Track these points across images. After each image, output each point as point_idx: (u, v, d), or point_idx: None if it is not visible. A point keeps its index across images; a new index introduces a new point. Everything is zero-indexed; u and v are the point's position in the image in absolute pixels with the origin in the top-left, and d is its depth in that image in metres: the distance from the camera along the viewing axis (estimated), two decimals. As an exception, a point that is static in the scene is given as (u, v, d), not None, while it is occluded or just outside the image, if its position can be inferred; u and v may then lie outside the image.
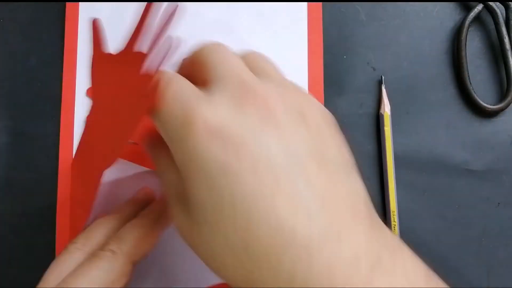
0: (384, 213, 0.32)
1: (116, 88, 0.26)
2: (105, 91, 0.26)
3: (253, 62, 0.22)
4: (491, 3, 0.33)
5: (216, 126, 0.19)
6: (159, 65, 0.24)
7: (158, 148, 0.25)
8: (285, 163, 0.18)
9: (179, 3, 0.24)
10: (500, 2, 0.33)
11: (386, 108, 0.32)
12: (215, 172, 0.18)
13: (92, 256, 0.24)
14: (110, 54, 0.26)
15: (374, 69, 0.33)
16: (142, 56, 0.25)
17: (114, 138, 0.26)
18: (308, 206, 0.18)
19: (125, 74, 0.25)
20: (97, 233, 0.26)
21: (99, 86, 0.26)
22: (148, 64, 0.25)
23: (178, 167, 0.21)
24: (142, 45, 0.25)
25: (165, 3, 0.24)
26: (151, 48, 0.25)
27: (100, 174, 0.27)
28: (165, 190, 0.24)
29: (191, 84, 0.21)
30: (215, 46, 0.22)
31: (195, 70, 0.23)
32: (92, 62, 0.26)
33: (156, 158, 0.25)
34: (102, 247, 0.24)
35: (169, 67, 0.25)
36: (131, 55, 0.25)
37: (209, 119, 0.19)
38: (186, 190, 0.20)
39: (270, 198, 0.18)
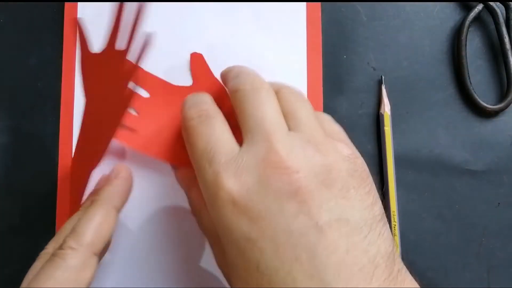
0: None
1: (103, 86, 0.26)
2: (95, 89, 0.26)
3: (286, 101, 0.24)
4: (491, 3, 0.33)
5: (241, 199, 0.20)
6: (138, 61, 0.25)
7: (195, 187, 0.27)
8: (305, 234, 0.20)
9: (145, 3, 0.24)
10: (501, 2, 0.33)
11: (386, 108, 0.32)
12: (241, 241, 0.20)
13: (53, 256, 0.24)
14: (96, 54, 0.26)
15: (374, 69, 0.33)
16: (122, 53, 0.25)
17: (100, 138, 0.26)
18: (324, 276, 0.19)
19: (109, 72, 0.26)
20: (66, 234, 0.26)
21: (90, 85, 0.26)
22: (129, 60, 0.25)
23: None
24: (121, 43, 0.25)
25: (134, 2, 0.25)
26: (128, 45, 0.25)
27: (87, 174, 0.27)
28: (202, 227, 0.26)
29: (228, 131, 0.24)
30: (252, 90, 0.24)
31: (234, 106, 0.25)
32: (81, 62, 0.26)
33: (192, 197, 0.27)
34: (61, 245, 0.24)
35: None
36: (113, 53, 0.25)
37: (235, 192, 0.21)
38: (223, 244, 0.22)
39: (289, 267, 0.19)
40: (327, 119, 0.26)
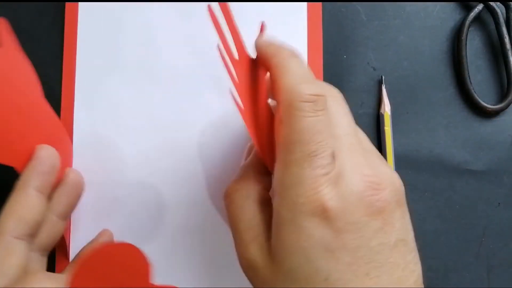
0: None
1: None
2: None
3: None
4: (491, 3, 0.33)
5: (333, 208, 0.20)
6: None
7: (248, 176, 0.25)
8: (379, 252, 0.20)
9: None
10: (501, 2, 0.33)
11: (386, 108, 0.32)
12: (316, 249, 0.20)
13: None
14: None
15: (374, 69, 0.33)
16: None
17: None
18: None
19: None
20: None
21: None
22: None
23: (266, 212, 0.23)
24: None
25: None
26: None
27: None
28: (235, 221, 0.24)
29: (327, 137, 0.22)
30: (333, 97, 0.23)
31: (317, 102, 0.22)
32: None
33: (239, 187, 0.25)
34: None
35: None
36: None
37: (329, 200, 0.20)
38: (276, 245, 0.21)
39: (360, 281, 0.20)
40: None
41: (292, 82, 0.22)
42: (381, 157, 0.23)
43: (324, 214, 0.20)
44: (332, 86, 0.24)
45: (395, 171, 0.23)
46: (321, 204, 0.20)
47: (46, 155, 0.27)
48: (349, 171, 0.21)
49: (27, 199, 0.25)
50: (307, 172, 0.20)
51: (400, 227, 0.21)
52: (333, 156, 0.21)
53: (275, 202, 0.22)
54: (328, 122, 0.22)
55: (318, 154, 0.21)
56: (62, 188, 0.28)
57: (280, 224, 0.21)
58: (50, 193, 0.27)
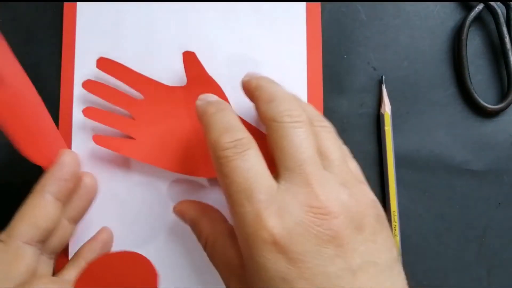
0: (384, 214, 0.32)
1: None
2: None
3: (319, 138, 0.24)
4: (492, 3, 0.33)
5: (282, 239, 0.21)
6: None
7: (205, 219, 0.27)
8: (340, 277, 0.20)
9: None
10: (501, 2, 0.33)
11: (387, 108, 0.32)
12: (276, 280, 0.21)
13: None
14: None
15: (374, 69, 0.33)
16: None
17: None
18: None
19: None
20: None
21: None
22: None
23: (237, 246, 0.23)
24: None
25: None
26: None
27: None
28: (215, 258, 0.26)
29: (263, 164, 0.23)
30: (291, 124, 0.23)
31: (268, 135, 0.24)
32: None
33: (202, 229, 0.27)
34: None
35: None
36: None
37: (276, 232, 0.21)
38: (248, 279, 0.22)
39: None
40: (348, 155, 0.26)
41: (213, 137, 0.24)
42: (348, 179, 0.23)
43: (275, 246, 0.21)
44: (293, 107, 0.24)
45: (364, 196, 0.23)
46: (269, 236, 0.21)
47: (68, 161, 0.27)
48: (294, 203, 0.21)
49: (42, 205, 0.25)
50: (249, 208, 0.21)
51: (366, 249, 0.21)
52: (275, 188, 0.22)
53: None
54: (256, 160, 0.23)
55: (253, 190, 0.22)
56: (76, 193, 0.28)
57: (244, 259, 0.23)
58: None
